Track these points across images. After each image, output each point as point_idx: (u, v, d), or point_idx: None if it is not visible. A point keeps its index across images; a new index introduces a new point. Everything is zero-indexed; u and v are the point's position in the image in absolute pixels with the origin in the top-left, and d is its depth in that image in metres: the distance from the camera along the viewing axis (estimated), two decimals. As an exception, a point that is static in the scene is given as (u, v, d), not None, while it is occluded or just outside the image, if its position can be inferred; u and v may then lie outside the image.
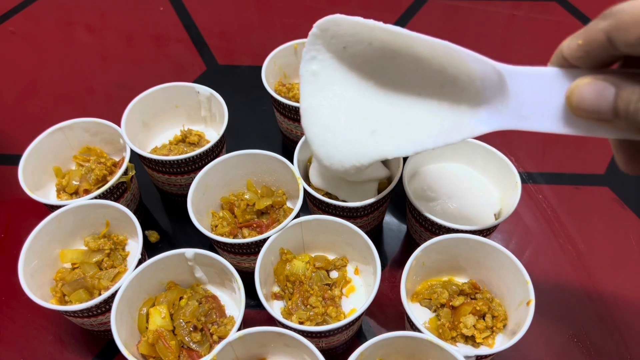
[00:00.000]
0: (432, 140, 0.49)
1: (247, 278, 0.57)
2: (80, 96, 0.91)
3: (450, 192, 0.65)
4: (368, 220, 0.64)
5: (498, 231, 0.70)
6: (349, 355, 0.48)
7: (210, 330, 0.55)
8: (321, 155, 0.55)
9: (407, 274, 0.54)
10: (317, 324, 0.55)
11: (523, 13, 1.03)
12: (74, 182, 0.66)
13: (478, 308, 0.55)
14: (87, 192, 0.65)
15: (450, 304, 0.56)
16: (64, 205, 0.60)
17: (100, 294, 0.57)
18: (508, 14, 1.03)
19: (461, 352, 0.48)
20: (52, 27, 1.04)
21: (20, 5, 1.07)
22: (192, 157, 0.65)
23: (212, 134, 0.75)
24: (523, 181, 0.74)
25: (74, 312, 0.54)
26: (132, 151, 0.66)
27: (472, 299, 0.58)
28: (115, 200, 0.64)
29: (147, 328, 0.56)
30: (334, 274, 0.61)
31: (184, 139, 0.73)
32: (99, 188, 0.64)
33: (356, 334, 0.62)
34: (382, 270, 0.58)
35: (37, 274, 0.58)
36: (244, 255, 0.60)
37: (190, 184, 0.62)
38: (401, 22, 0.99)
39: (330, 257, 0.62)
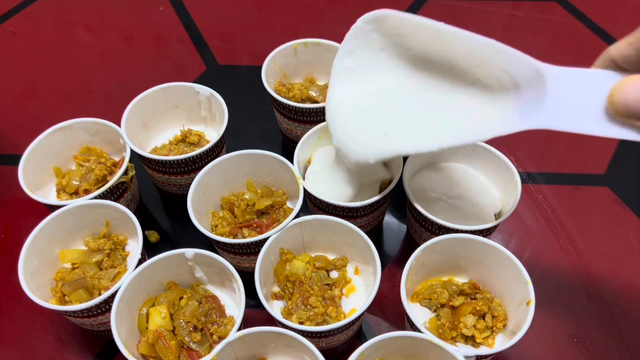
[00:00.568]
0: (463, 136, 0.48)
1: (247, 278, 0.57)
2: (80, 96, 0.91)
3: (450, 192, 0.65)
4: (368, 220, 0.64)
5: (498, 231, 0.70)
6: (349, 355, 0.48)
7: (210, 330, 0.55)
8: (350, 149, 0.56)
9: (407, 274, 0.54)
10: (317, 324, 0.55)
11: (523, 13, 1.03)
12: (74, 182, 0.66)
13: (478, 308, 0.55)
14: (87, 192, 0.65)
15: (450, 304, 0.56)
16: (64, 205, 0.60)
17: (100, 294, 0.57)
18: (508, 14, 1.03)
19: (461, 352, 0.48)
20: (52, 27, 1.04)
21: (20, 5, 1.07)
22: (192, 157, 0.65)
23: (212, 134, 0.75)
24: (523, 181, 0.74)
25: (74, 312, 0.54)
26: (132, 151, 0.66)
27: (472, 299, 0.58)
28: (115, 200, 0.64)
29: (147, 328, 0.56)
30: (334, 274, 0.61)
31: (184, 139, 0.73)
32: (99, 188, 0.64)
33: (356, 334, 0.62)
34: (382, 270, 0.58)
35: (37, 274, 0.58)
36: (244, 255, 0.60)
37: (190, 184, 0.62)
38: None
39: (330, 257, 0.62)
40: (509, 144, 0.78)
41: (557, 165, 0.79)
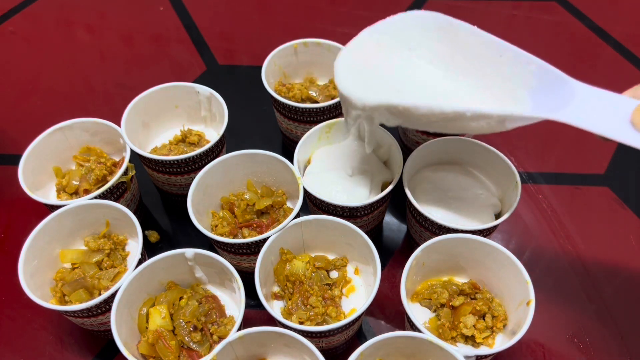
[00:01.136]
0: (473, 104, 0.48)
1: (247, 278, 0.57)
2: (80, 96, 0.91)
3: (450, 192, 0.65)
4: (368, 220, 0.64)
5: (498, 231, 0.70)
6: (349, 355, 0.48)
7: (210, 330, 0.55)
8: (356, 93, 0.54)
9: (407, 274, 0.54)
10: (317, 324, 0.55)
11: (523, 13, 1.03)
12: (74, 182, 0.66)
13: (478, 308, 0.55)
14: (87, 192, 0.65)
15: (450, 304, 0.56)
16: (64, 205, 0.60)
17: (100, 294, 0.57)
18: (508, 14, 1.03)
19: (461, 352, 0.48)
20: (52, 27, 1.04)
21: (20, 5, 1.07)
22: (192, 157, 0.65)
23: (212, 134, 0.75)
24: (523, 181, 0.74)
25: (74, 312, 0.54)
26: (132, 151, 0.66)
27: (472, 299, 0.58)
28: (115, 200, 0.64)
29: (147, 328, 0.56)
30: (334, 274, 0.61)
31: (184, 139, 0.73)
32: (99, 188, 0.64)
33: (356, 334, 0.62)
34: (382, 270, 0.58)
35: (37, 274, 0.58)
36: (244, 255, 0.60)
37: (190, 184, 0.62)
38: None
39: (330, 257, 0.62)
40: (509, 144, 0.78)
41: (557, 165, 0.79)
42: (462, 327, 0.55)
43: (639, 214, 0.72)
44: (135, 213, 0.62)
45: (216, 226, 0.63)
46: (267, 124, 0.84)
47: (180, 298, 0.58)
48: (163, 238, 0.72)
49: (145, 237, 0.69)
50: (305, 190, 0.61)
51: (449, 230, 0.58)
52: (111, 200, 0.63)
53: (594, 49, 0.96)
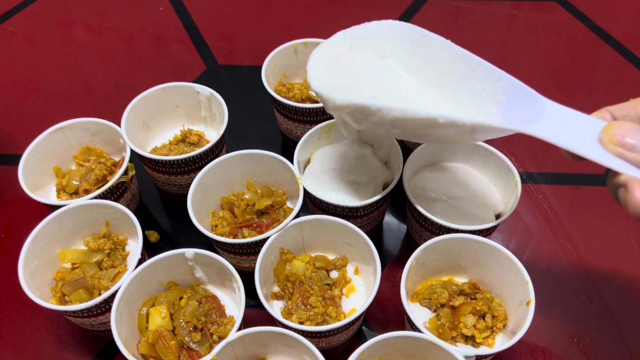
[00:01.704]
0: (443, 111, 0.47)
1: (247, 278, 0.57)
2: (80, 96, 0.91)
3: (450, 192, 0.65)
4: (368, 220, 0.64)
5: (498, 231, 0.70)
6: (349, 355, 0.48)
7: (210, 330, 0.55)
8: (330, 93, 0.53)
9: (407, 274, 0.54)
10: (317, 324, 0.55)
11: (523, 13, 1.03)
12: (74, 182, 0.66)
13: (478, 308, 0.55)
14: (87, 192, 0.65)
15: (450, 304, 0.56)
16: (64, 205, 0.60)
17: (100, 294, 0.57)
18: (508, 14, 1.03)
19: (461, 352, 0.48)
20: (52, 27, 1.04)
21: (20, 5, 1.07)
22: (192, 157, 0.65)
23: (212, 134, 0.75)
24: (523, 181, 0.74)
25: (74, 312, 0.54)
26: (132, 151, 0.66)
27: (472, 299, 0.58)
28: (115, 200, 0.64)
29: (147, 328, 0.56)
30: (334, 274, 0.61)
31: (184, 139, 0.73)
32: (99, 188, 0.64)
33: (356, 334, 0.62)
34: (382, 270, 0.58)
35: (37, 274, 0.58)
36: (244, 255, 0.60)
37: (190, 184, 0.62)
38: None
39: (330, 257, 0.62)
40: (509, 144, 0.78)
41: (557, 165, 0.79)
42: (462, 327, 0.55)
43: (639, 214, 0.72)
44: (135, 213, 0.62)
45: (216, 226, 0.63)
46: (267, 124, 0.84)
47: (180, 298, 0.58)
48: (163, 238, 0.72)
49: (145, 237, 0.69)
50: (305, 190, 0.61)
51: (449, 230, 0.58)
52: (111, 200, 0.63)
53: (594, 49, 0.96)
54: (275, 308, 0.59)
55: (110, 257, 0.62)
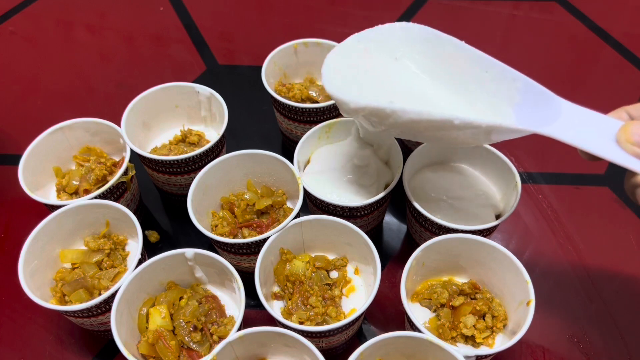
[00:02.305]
0: (458, 113, 0.47)
1: (247, 278, 0.57)
2: (80, 96, 0.91)
3: (450, 192, 0.65)
4: (368, 220, 0.64)
5: (498, 231, 0.70)
6: (349, 355, 0.48)
7: (210, 330, 0.55)
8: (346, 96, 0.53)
9: (407, 274, 0.54)
10: (317, 324, 0.55)
11: (523, 13, 1.03)
12: (74, 182, 0.66)
13: (478, 308, 0.55)
14: (87, 192, 0.65)
15: (450, 304, 0.56)
16: (64, 205, 0.60)
17: (100, 294, 0.57)
18: (508, 14, 1.03)
19: (461, 352, 0.48)
20: (52, 27, 1.04)
21: (20, 5, 1.07)
22: (192, 157, 0.65)
23: (212, 134, 0.75)
24: (523, 181, 0.74)
25: (74, 312, 0.54)
26: (132, 151, 0.66)
27: (472, 299, 0.58)
28: (115, 200, 0.64)
29: (147, 328, 0.56)
30: (334, 274, 0.61)
31: (184, 139, 0.73)
32: (99, 188, 0.64)
33: (356, 334, 0.62)
34: (382, 270, 0.58)
35: (37, 274, 0.58)
36: (244, 255, 0.60)
37: (190, 184, 0.62)
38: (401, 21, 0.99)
39: (330, 257, 0.62)
40: (509, 144, 0.78)
41: (557, 165, 0.79)
42: (462, 327, 0.55)
43: (639, 214, 0.72)
44: (135, 213, 0.62)
45: (216, 226, 0.63)
46: (267, 124, 0.84)
47: (180, 298, 0.58)
48: (163, 238, 0.72)
49: (145, 237, 0.69)
50: (305, 190, 0.61)
51: (449, 230, 0.58)
52: (111, 200, 0.63)
53: (594, 49, 0.96)
54: (275, 308, 0.59)
55: (110, 257, 0.62)
